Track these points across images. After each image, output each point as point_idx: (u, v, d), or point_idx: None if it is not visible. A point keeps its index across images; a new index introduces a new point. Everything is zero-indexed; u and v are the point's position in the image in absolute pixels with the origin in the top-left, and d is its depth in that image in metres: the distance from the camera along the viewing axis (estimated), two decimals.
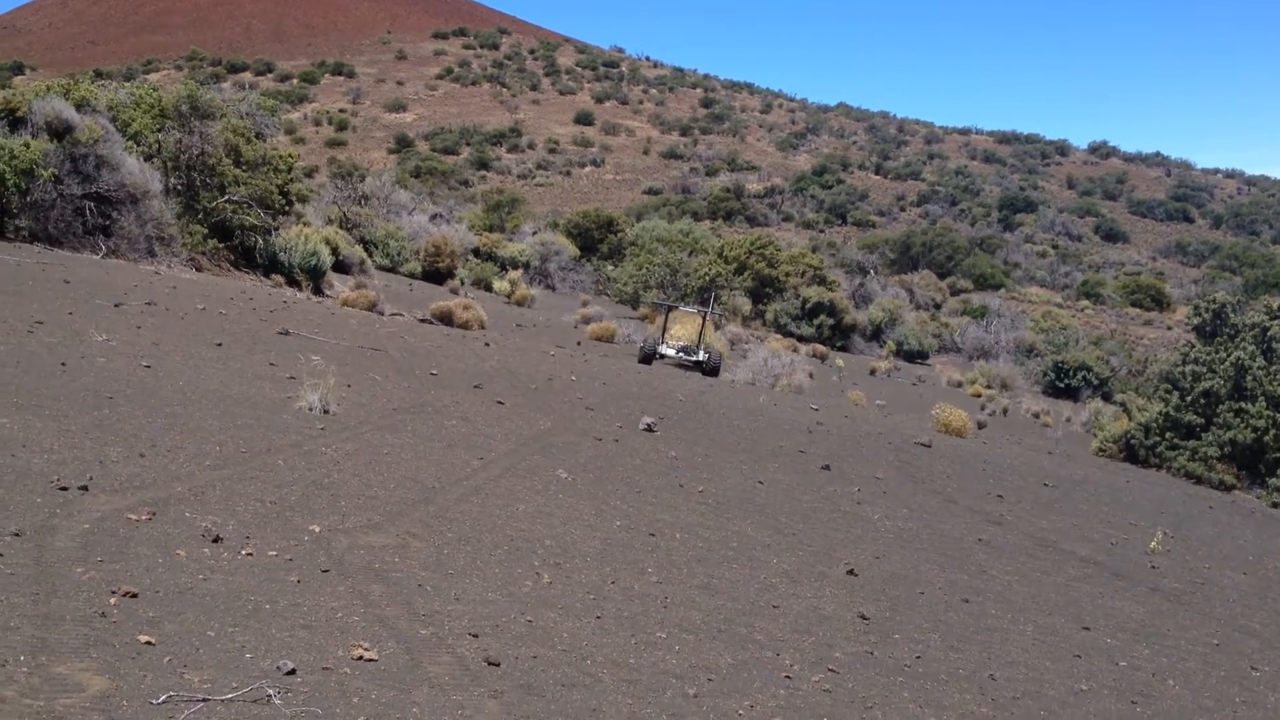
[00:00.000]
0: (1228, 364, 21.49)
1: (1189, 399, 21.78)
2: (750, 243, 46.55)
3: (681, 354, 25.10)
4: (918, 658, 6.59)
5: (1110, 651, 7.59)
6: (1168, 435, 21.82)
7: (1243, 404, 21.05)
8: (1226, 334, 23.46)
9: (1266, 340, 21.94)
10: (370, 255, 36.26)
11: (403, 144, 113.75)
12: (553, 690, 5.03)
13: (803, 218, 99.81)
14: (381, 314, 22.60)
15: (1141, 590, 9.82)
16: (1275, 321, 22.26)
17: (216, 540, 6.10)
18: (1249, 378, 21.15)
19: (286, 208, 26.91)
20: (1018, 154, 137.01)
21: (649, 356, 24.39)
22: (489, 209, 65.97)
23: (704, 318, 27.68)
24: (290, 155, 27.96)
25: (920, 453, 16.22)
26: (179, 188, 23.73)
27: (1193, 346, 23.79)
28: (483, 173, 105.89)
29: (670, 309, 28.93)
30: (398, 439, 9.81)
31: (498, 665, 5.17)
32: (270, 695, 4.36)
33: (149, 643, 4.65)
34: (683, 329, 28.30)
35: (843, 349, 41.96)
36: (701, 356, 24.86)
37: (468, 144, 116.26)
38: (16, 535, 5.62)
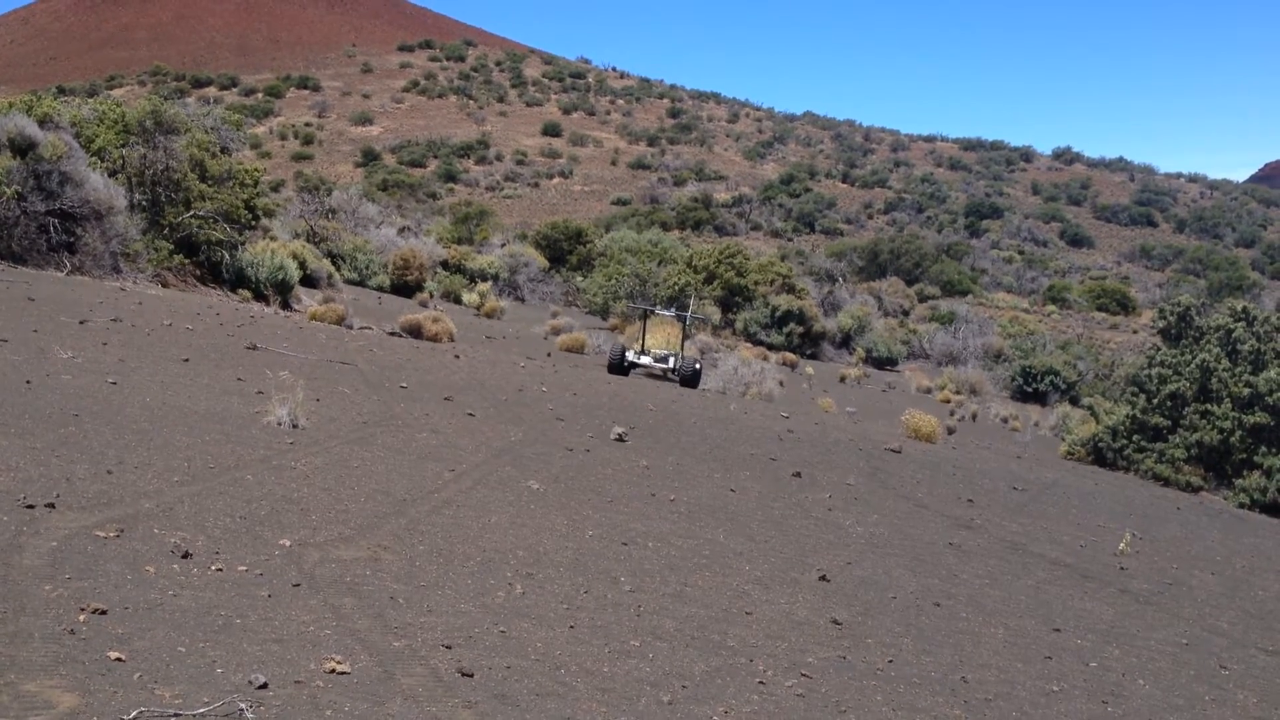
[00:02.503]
0: (1193, 366, 21.69)
1: (1155, 402, 21.97)
2: (719, 252, 46.64)
3: (659, 364, 24.05)
4: (890, 661, 6.61)
5: (1081, 652, 7.64)
6: (1135, 438, 22.00)
7: (1208, 406, 21.25)
8: (1191, 337, 23.67)
9: (1231, 342, 22.16)
10: (338, 269, 36.10)
11: (369, 157, 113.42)
12: (527, 700, 5.03)
13: (771, 226, 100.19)
14: (350, 327, 22.51)
15: (1111, 591, 9.89)
16: (1239, 324, 22.49)
17: (186, 556, 6.06)
18: (1214, 380, 21.36)
19: (253, 222, 26.79)
20: (983, 161, 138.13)
21: (618, 365, 23.36)
22: (457, 221, 65.82)
23: (683, 323, 26.95)
24: (256, 169, 27.85)
25: (890, 459, 16.28)
26: (144, 203, 23.58)
27: (1158, 350, 24.00)
28: (450, 185, 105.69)
29: (647, 313, 27.66)
30: (368, 452, 9.77)
31: (471, 676, 5.16)
32: (242, 710, 4.33)
33: (119, 659, 4.62)
34: (653, 339, 27.64)
35: (812, 356, 42.06)
36: (676, 364, 23.78)
37: (435, 156, 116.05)
38: None
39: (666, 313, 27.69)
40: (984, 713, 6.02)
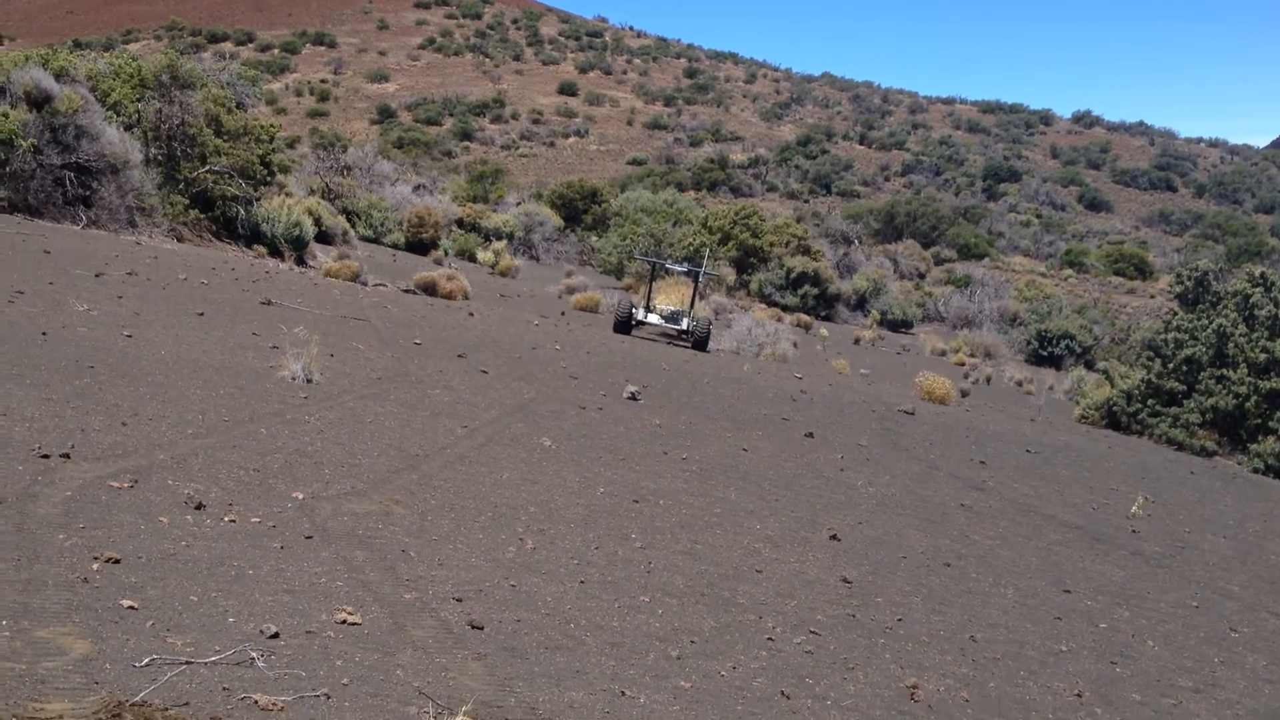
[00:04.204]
0: (1209, 331, 21.59)
1: (1171, 366, 21.88)
2: (735, 213, 46.42)
3: (667, 322, 23.25)
4: (899, 620, 6.63)
5: (1090, 613, 7.65)
6: (1150, 402, 21.93)
7: (1224, 371, 21.16)
8: (1209, 302, 23.55)
9: (1248, 308, 22.03)
10: (353, 226, 36.10)
11: (385, 114, 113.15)
12: (536, 653, 5.05)
13: (787, 188, 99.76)
14: (365, 284, 22.53)
15: (1122, 554, 9.89)
16: (1257, 289, 22.35)
17: (199, 507, 6.09)
18: (1230, 345, 21.25)
19: (268, 178, 26.78)
20: (1002, 123, 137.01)
21: (624, 324, 22.53)
22: (472, 180, 65.71)
23: (695, 280, 26.14)
24: (272, 125, 27.82)
25: (903, 420, 16.27)
26: (159, 158, 23.58)
27: (1175, 314, 23.90)
28: (466, 143, 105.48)
29: (656, 268, 26.77)
30: (381, 408, 9.80)
31: (481, 628, 5.19)
32: (253, 658, 4.36)
33: (131, 607, 4.65)
34: (666, 298, 27.18)
35: (827, 319, 41.99)
36: (689, 325, 22.91)
37: (450, 115, 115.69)
38: None
39: (678, 268, 26.63)
40: (992, 671, 6.03)
